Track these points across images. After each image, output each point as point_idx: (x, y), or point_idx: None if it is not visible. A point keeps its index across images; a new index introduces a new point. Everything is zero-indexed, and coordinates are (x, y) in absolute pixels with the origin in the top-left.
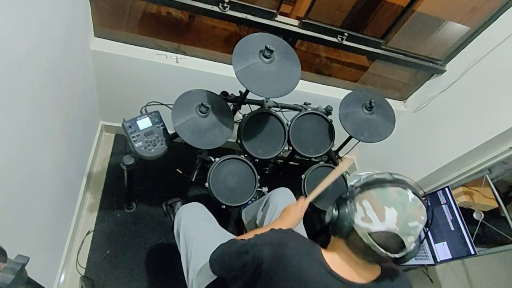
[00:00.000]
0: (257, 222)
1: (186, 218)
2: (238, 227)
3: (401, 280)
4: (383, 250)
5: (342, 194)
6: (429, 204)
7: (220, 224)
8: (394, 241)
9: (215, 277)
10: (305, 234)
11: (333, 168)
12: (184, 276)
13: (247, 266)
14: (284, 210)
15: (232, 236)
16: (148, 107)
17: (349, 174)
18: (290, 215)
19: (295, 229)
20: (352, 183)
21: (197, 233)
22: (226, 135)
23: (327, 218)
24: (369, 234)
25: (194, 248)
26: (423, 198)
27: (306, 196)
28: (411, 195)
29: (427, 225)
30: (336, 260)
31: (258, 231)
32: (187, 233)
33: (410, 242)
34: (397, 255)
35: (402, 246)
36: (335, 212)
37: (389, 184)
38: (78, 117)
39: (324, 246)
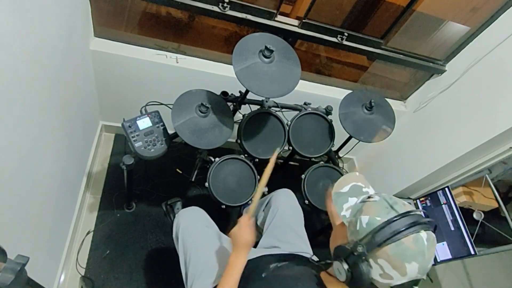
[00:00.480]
0: (258, 223)
1: (184, 223)
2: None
3: None
4: None
5: (346, 246)
6: (423, 206)
7: (220, 224)
8: (413, 282)
9: (214, 284)
10: (305, 236)
11: (333, 168)
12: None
13: None
14: (231, 236)
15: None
16: (148, 107)
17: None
18: (239, 238)
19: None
20: (343, 212)
21: (196, 239)
22: (226, 135)
23: (341, 278)
24: (391, 286)
25: (192, 253)
26: (424, 204)
27: (245, 213)
28: (424, 235)
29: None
30: None
31: (225, 282)
32: (186, 238)
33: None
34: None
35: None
36: (348, 273)
37: (402, 235)
38: (78, 117)
39: (324, 247)
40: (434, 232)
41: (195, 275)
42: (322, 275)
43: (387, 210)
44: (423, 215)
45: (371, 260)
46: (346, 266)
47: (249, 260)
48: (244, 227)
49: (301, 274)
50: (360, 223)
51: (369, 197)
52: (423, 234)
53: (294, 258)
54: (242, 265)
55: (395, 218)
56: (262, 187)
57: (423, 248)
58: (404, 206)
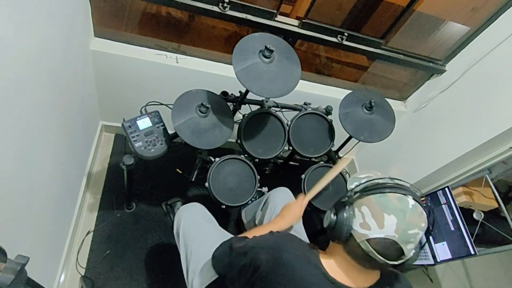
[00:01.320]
0: (257, 222)
1: (185, 219)
2: (238, 227)
3: (401, 285)
4: (381, 258)
5: (341, 198)
6: (431, 210)
7: (220, 224)
8: (393, 249)
9: (215, 277)
10: (305, 235)
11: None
12: (184, 276)
13: (245, 269)
14: (284, 207)
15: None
16: (148, 107)
17: (349, 175)
18: (290, 212)
19: (295, 227)
20: (352, 187)
21: (197, 234)
22: (226, 135)
23: (325, 223)
24: (368, 240)
25: (193, 248)
26: (424, 204)
27: (305, 194)
28: (411, 201)
29: (427, 231)
30: (334, 265)
31: (259, 230)
32: (187, 233)
33: (409, 249)
34: (396, 262)
35: (401, 253)
36: (333, 217)
37: (389, 190)
38: (78, 117)
39: (324, 247)
40: (430, 233)
41: (196, 269)
42: (320, 253)
43: (387, 179)
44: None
45: (356, 209)
46: (333, 212)
47: None
48: (298, 206)
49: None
50: (360, 181)
51: None
52: (410, 199)
53: None
54: (278, 229)
55: (389, 181)
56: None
57: (405, 207)
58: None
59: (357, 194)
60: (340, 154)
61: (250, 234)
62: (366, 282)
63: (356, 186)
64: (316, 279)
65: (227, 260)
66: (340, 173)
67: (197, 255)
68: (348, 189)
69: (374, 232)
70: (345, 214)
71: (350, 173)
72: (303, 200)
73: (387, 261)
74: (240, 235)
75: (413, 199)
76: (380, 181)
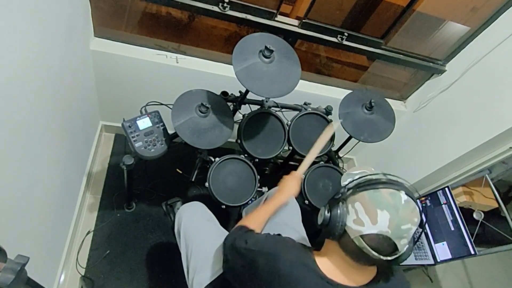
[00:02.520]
0: None
1: (186, 218)
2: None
3: (397, 281)
4: (375, 253)
5: (334, 195)
6: (425, 205)
7: (220, 224)
8: (386, 244)
9: (215, 276)
10: (304, 234)
11: (333, 168)
12: (184, 275)
13: (244, 269)
14: (280, 182)
15: None
16: (148, 107)
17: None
18: (287, 185)
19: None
20: (345, 183)
21: (197, 233)
22: (226, 135)
23: (319, 220)
24: (361, 236)
25: (194, 247)
26: (417, 200)
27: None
28: (404, 196)
29: (421, 226)
30: (330, 264)
31: (259, 211)
32: (187, 232)
33: (402, 245)
34: (389, 258)
35: (395, 248)
36: (327, 214)
37: (382, 186)
38: (78, 117)
39: (320, 246)
40: (423, 227)
41: (197, 268)
42: (315, 254)
43: (380, 175)
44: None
45: (349, 205)
46: (327, 209)
47: None
48: (294, 177)
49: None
50: (353, 178)
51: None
52: (403, 195)
53: None
54: (279, 205)
55: (382, 177)
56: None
57: (398, 203)
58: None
59: (350, 191)
60: (340, 154)
61: (252, 217)
62: (363, 278)
63: (350, 182)
64: (313, 282)
65: (230, 257)
66: (340, 172)
67: (198, 253)
68: (342, 185)
69: (367, 228)
70: (338, 211)
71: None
72: (297, 173)
73: (381, 256)
74: (244, 221)
75: (406, 194)
76: (373, 177)
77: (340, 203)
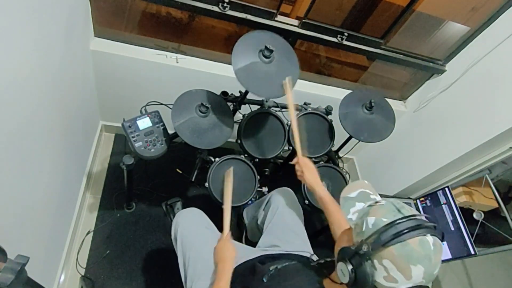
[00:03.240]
0: (259, 222)
1: (183, 224)
2: (238, 227)
3: None
4: None
5: (351, 247)
6: (425, 205)
7: (220, 224)
8: None
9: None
10: (305, 235)
11: (333, 168)
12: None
13: None
14: (214, 255)
15: None
16: (148, 107)
17: (349, 175)
18: (223, 252)
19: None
20: (350, 216)
21: (195, 240)
22: (226, 135)
23: (344, 279)
24: None
25: (191, 255)
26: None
27: (225, 232)
28: (431, 240)
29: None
30: None
31: None
32: (185, 240)
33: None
34: None
35: None
36: (351, 274)
37: (408, 236)
38: (78, 117)
39: (324, 247)
40: (442, 240)
41: (194, 276)
42: (326, 282)
43: (393, 213)
44: (429, 221)
45: (375, 261)
46: (350, 267)
47: (249, 260)
48: (223, 243)
49: (303, 281)
50: (366, 224)
51: (376, 202)
52: (429, 238)
53: (294, 259)
54: (228, 274)
55: (402, 220)
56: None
57: (429, 252)
58: (411, 210)
59: (372, 245)
60: (340, 154)
61: None
62: None
63: (357, 216)
64: None
65: None
66: (340, 172)
67: (195, 262)
68: (346, 217)
69: (401, 284)
70: (365, 269)
71: (350, 173)
72: (223, 235)
73: None
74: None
75: (431, 235)
76: (390, 219)
77: (365, 260)
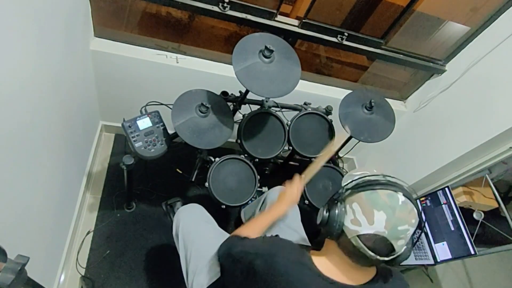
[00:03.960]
0: None
1: (184, 220)
2: (238, 227)
3: (396, 282)
4: (372, 253)
5: (333, 195)
6: (425, 205)
7: (220, 224)
8: (383, 245)
9: (214, 278)
10: (303, 233)
11: (333, 168)
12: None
13: (243, 274)
14: (280, 193)
15: None
16: (148, 107)
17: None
18: (287, 197)
19: (293, 226)
20: (345, 183)
21: (196, 235)
22: (226, 135)
23: (318, 219)
24: (358, 236)
25: (193, 249)
26: (417, 201)
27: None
28: (401, 198)
29: (419, 227)
30: (328, 263)
31: (258, 219)
32: (186, 235)
33: (400, 245)
34: (386, 258)
35: (392, 249)
36: (325, 214)
37: (380, 187)
38: (78, 117)
39: (321, 246)
40: (422, 229)
41: (196, 271)
42: (312, 254)
43: (380, 176)
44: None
45: (347, 205)
46: (325, 209)
47: None
48: (294, 189)
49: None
50: (351, 177)
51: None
52: (400, 196)
53: None
54: (277, 216)
55: (381, 179)
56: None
57: (395, 204)
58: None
59: (348, 191)
60: (340, 154)
61: (249, 226)
62: (361, 278)
63: (349, 183)
64: (311, 280)
65: (227, 265)
66: (340, 172)
67: (197, 256)
68: (342, 185)
69: (364, 228)
70: (336, 211)
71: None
72: (299, 183)
73: (378, 256)
74: (239, 230)
75: (404, 195)
76: (372, 178)
77: (338, 203)
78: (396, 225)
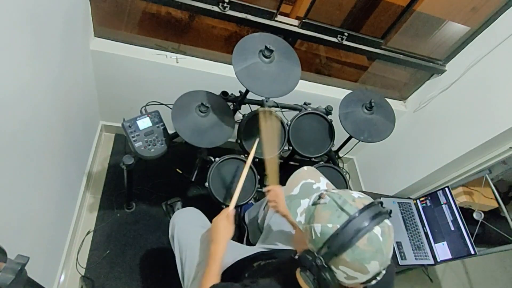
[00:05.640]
0: (259, 221)
1: (179, 224)
2: (239, 229)
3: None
4: (373, 281)
5: (307, 256)
6: (425, 205)
7: None
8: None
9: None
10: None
11: (333, 168)
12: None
13: None
14: (210, 228)
15: None
16: (148, 107)
17: (349, 176)
18: (219, 231)
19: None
20: (300, 220)
21: (191, 240)
22: (227, 133)
23: (310, 285)
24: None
25: (188, 254)
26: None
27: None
28: (378, 231)
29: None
30: None
31: (210, 277)
32: (181, 239)
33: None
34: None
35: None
36: (315, 282)
37: (355, 239)
38: (78, 117)
39: None
40: (389, 215)
41: (191, 275)
42: (297, 273)
43: (337, 213)
44: (376, 203)
45: (333, 267)
46: (312, 277)
47: (244, 258)
48: (224, 217)
49: (279, 278)
50: (315, 232)
51: (319, 198)
52: (377, 230)
53: (285, 255)
54: (221, 255)
55: (345, 224)
56: (242, 180)
57: (379, 246)
58: (354, 202)
59: (326, 258)
60: (340, 154)
61: (207, 282)
62: None
63: (305, 218)
64: None
65: None
66: (340, 172)
67: (192, 261)
68: (296, 221)
69: (361, 279)
70: (327, 277)
71: (350, 173)
72: (227, 211)
73: (373, 281)
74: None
75: (377, 224)
76: (332, 221)
77: (323, 271)
78: (388, 257)
